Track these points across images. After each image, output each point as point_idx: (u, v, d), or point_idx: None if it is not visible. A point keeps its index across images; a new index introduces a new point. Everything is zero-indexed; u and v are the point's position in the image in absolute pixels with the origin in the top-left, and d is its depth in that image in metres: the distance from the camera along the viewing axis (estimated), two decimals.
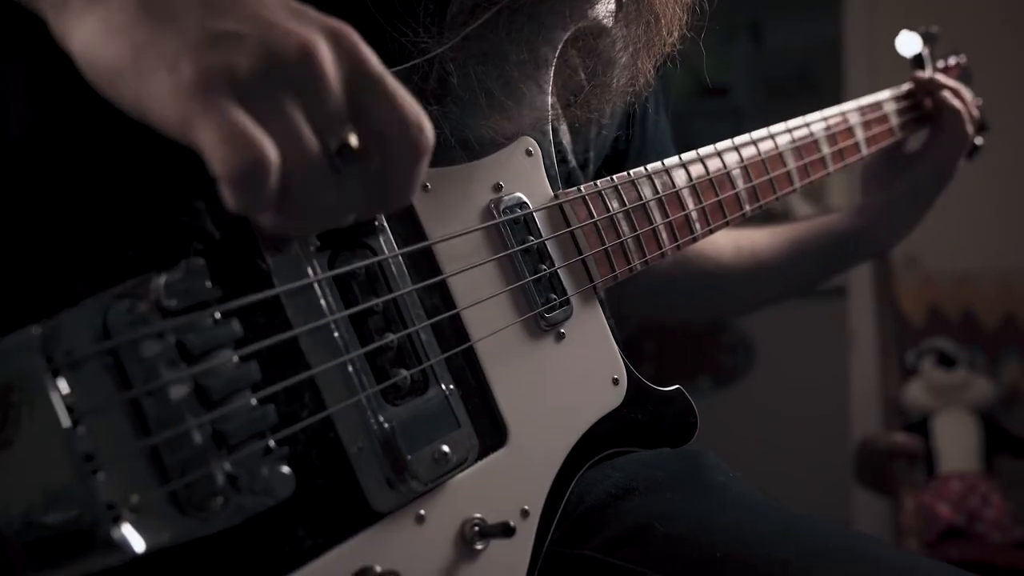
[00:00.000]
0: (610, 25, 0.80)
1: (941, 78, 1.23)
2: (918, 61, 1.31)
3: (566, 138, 0.90)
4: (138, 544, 0.48)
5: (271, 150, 0.46)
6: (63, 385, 0.48)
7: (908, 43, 1.31)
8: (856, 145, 1.11)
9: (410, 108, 0.51)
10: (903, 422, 2.98)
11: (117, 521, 0.48)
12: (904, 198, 1.22)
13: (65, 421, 0.48)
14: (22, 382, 0.48)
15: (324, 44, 0.49)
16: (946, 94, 1.20)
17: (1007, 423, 2.99)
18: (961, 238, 3.19)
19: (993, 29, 3.12)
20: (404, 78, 0.68)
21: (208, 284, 0.53)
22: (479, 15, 0.72)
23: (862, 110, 1.14)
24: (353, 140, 0.50)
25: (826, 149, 1.05)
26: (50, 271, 0.54)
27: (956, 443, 2.93)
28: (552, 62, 0.77)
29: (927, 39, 1.31)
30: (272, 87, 0.47)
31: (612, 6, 0.80)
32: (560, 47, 0.77)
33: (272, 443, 0.55)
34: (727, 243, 1.22)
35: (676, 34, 0.81)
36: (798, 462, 3.76)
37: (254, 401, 0.54)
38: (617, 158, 1.02)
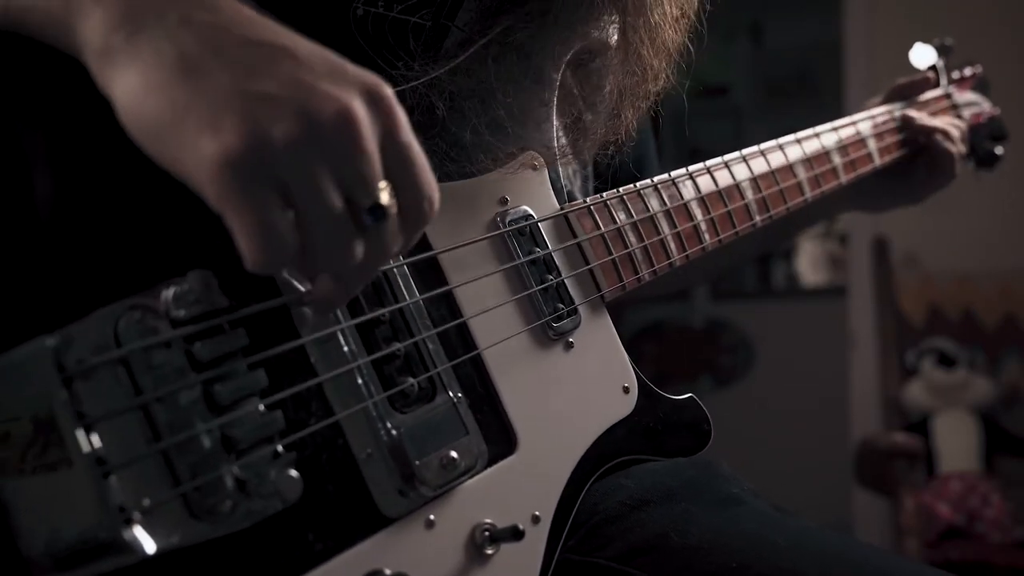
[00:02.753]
0: (601, 65, 0.80)
1: (926, 122, 1.17)
2: (932, 73, 1.29)
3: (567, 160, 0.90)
4: (149, 546, 0.49)
5: (295, 239, 0.48)
6: (75, 392, 0.49)
7: (922, 56, 1.31)
8: (869, 156, 1.10)
9: (428, 179, 0.54)
10: (903, 422, 2.99)
11: (129, 523, 0.49)
12: (868, 195, 1.20)
13: (78, 427, 0.48)
14: (36, 391, 0.49)
15: (362, 107, 0.49)
16: (937, 138, 1.16)
17: (1007, 423, 2.99)
18: (961, 238, 3.20)
19: (993, 30, 3.13)
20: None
21: (217, 295, 0.54)
22: (469, 48, 0.72)
23: (874, 120, 1.13)
24: (385, 198, 0.51)
25: (837, 160, 1.04)
26: (64, 283, 0.54)
27: (956, 443, 2.93)
28: (556, 85, 0.77)
29: (941, 51, 1.29)
30: (308, 154, 0.47)
31: (603, 43, 0.80)
32: (562, 70, 0.77)
33: (280, 448, 0.55)
34: None
35: (660, 85, 0.81)
36: (798, 462, 3.78)
37: (262, 407, 0.55)
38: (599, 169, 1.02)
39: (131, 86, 0.49)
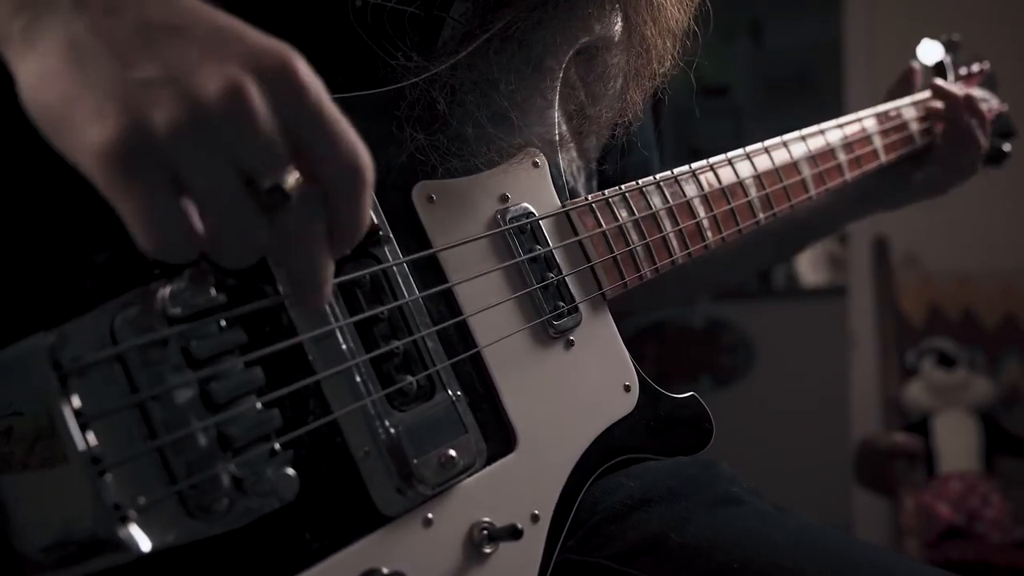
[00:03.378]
0: (604, 51, 0.79)
1: (956, 91, 1.17)
2: (939, 69, 1.28)
3: (570, 156, 0.90)
4: (144, 544, 0.49)
5: (186, 224, 0.46)
6: (71, 390, 0.49)
7: (929, 51, 1.30)
8: (875, 152, 1.09)
9: (349, 148, 0.49)
10: (903, 422, 2.99)
11: (124, 521, 0.49)
12: (881, 194, 1.19)
13: (74, 425, 0.48)
14: (32, 388, 0.49)
15: (251, 82, 0.46)
16: (972, 122, 1.14)
17: (1007, 423, 2.99)
18: (961, 238, 3.19)
19: (993, 29, 3.12)
20: (391, 100, 0.68)
21: (212, 292, 0.53)
22: (470, 43, 0.72)
23: (880, 117, 1.12)
24: (289, 181, 0.47)
25: (842, 156, 1.04)
26: (60, 281, 0.54)
27: (956, 443, 2.93)
28: (558, 76, 0.77)
29: (949, 47, 1.29)
30: (194, 138, 0.45)
31: (606, 31, 0.79)
32: (565, 62, 0.77)
33: (277, 446, 0.55)
34: None
35: (666, 65, 0.81)
36: (798, 462, 3.78)
37: (259, 405, 0.55)
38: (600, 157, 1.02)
39: (29, 74, 0.48)
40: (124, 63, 0.46)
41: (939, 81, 1.19)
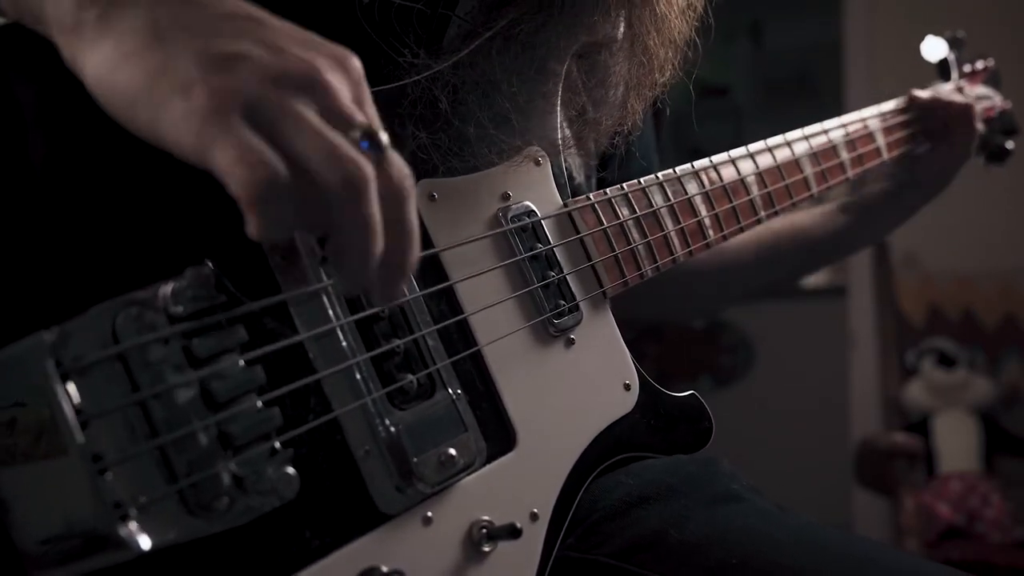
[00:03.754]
0: (607, 57, 0.80)
1: (946, 97, 1.18)
2: (943, 66, 1.28)
3: (572, 154, 0.90)
4: (144, 542, 0.49)
5: (283, 168, 0.46)
6: (72, 389, 0.49)
7: (933, 48, 1.30)
8: (877, 150, 1.09)
9: (396, 155, 0.51)
10: (903, 422, 2.99)
11: (124, 519, 0.49)
12: (891, 202, 1.19)
13: (74, 423, 0.48)
14: (33, 386, 0.49)
15: (331, 70, 0.50)
16: (956, 112, 1.16)
17: (1007, 423, 2.99)
18: (961, 238, 3.19)
19: (993, 29, 3.12)
20: (394, 98, 0.68)
21: (214, 291, 0.54)
22: (472, 41, 0.72)
23: (883, 115, 1.12)
24: (381, 134, 0.49)
25: (845, 155, 1.04)
26: (62, 279, 0.54)
27: (956, 443, 2.93)
28: (560, 79, 0.77)
29: (953, 44, 1.28)
30: (282, 98, 0.47)
31: (610, 35, 0.80)
32: (567, 65, 0.77)
33: (278, 445, 0.55)
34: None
35: (667, 76, 0.81)
36: (798, 462, 3.77)
37: (260, 404, 0.55)
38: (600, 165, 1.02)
39: (103, 58, 0.49)
40: (212, 39, 0.48)
41: (916, 92, 1.19)
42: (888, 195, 1.18)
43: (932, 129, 1.16)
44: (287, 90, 0.48)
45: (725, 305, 1.35)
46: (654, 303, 1.22)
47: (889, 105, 1.15)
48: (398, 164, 0.51)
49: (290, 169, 0.46)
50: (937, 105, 1.16)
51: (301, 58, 0.49)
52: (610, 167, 0.97)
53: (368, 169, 0.48)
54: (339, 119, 0.49)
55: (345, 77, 0.50)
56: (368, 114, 0.51)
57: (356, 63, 0.52)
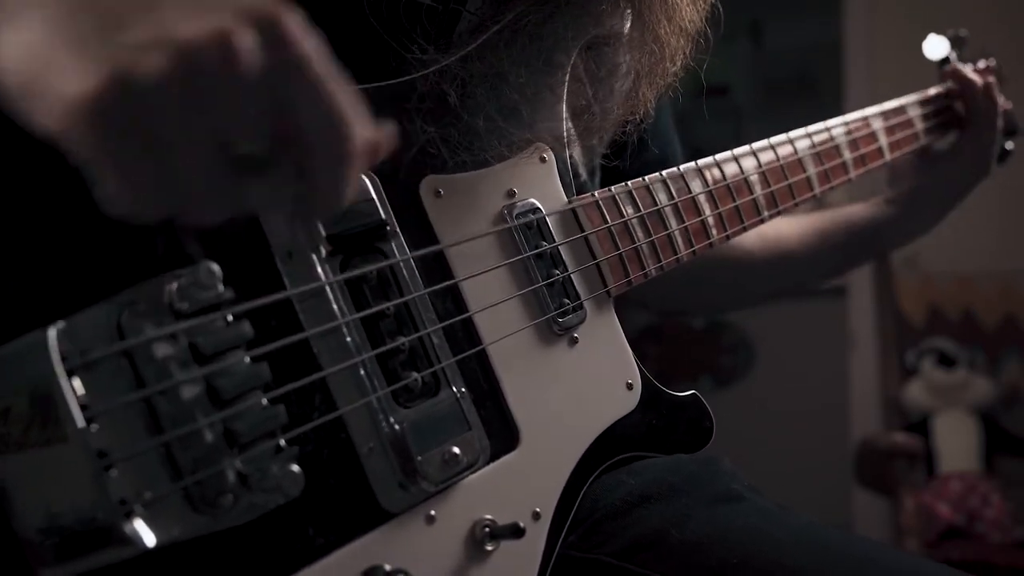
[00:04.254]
0: (615, 48, 0.80)
1: (975, 77, 1.21)
2: (945, 65, 1.28)
3: (577, 150, 0.90)
4: (149, 539, 0.49)
5: (162, 182, 0.44)
6: (78, 385, 0.49)
7: (935, 47, 1.30)
8: (879, 151, 1.10)
9: (334, 104, 0.46)
10: (903, 422, 2.99)
11: (129, 516, 0.49)
12: (931, 195, 1.22)
13: (79, 420, 0.48)
14: (38, 382, 0.49)
15: (246, 34, 0.43)
16: (980, 96, 1.18)
17: (1007, 423, 2.99)
18: (961, 238, 3.18)
19: (993, 30, 3.12)
20: (403, 93, 0.68)
21: (220, 287, 0.54)
22: (480, 35, 0.72)
23: (885, 115, 1.13)
24: (261, 146, 0.45)
25: (847, 155, 1.04)
26: (67, 275, 0.54)
27: (956, 443, 2.93)
28: (567, 71, 0.77)
29: (955, 43, 1.29)
30: (178, 90, 0.43)
31: (618, 26, 0.80)
32: (574, 57, 0.77)
33: (283, 442, 0.55)
34: (751, 232, 1.22)
35: (679, 64, 0.81)
36: (798, 462, 3.77)
37: (265, 401, 0.55)
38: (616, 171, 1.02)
39: (3, 46, 0.47)
40: (108, 27, 0.45)
41: (959, 66, 1.20)
42: (931, 185, 1.20)
43: (958, 117, 1.19)
44: (183, 81, 0.43)
45: (769, 298, 1.37)
46: (704, 294, 1.23)
47: (892, 104, 1.16)
48: (278, 181, 0.47)
49: (165, 180, 0.44)
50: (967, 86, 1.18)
51: (204, 30, 0.43)
52: (623, 156, 0.98)
53: (230, 197, 0.45)
54: (235, 119, 0.44)
55: (266, 39, 0.44)
56: (299, 69, 0.45)
57: (283, 14, 0.45)
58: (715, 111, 4.72)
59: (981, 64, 1.31)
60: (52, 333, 0.49)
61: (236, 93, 0.44)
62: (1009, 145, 1.29)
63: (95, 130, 0.43)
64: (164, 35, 0.43)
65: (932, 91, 1.23)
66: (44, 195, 0.56)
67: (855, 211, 1.24)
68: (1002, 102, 1.27)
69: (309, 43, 0.45)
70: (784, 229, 1.21)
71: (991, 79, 1.20)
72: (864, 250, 1.26)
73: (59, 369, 0.48)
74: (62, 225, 0.55)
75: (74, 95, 0.43)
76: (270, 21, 0.44)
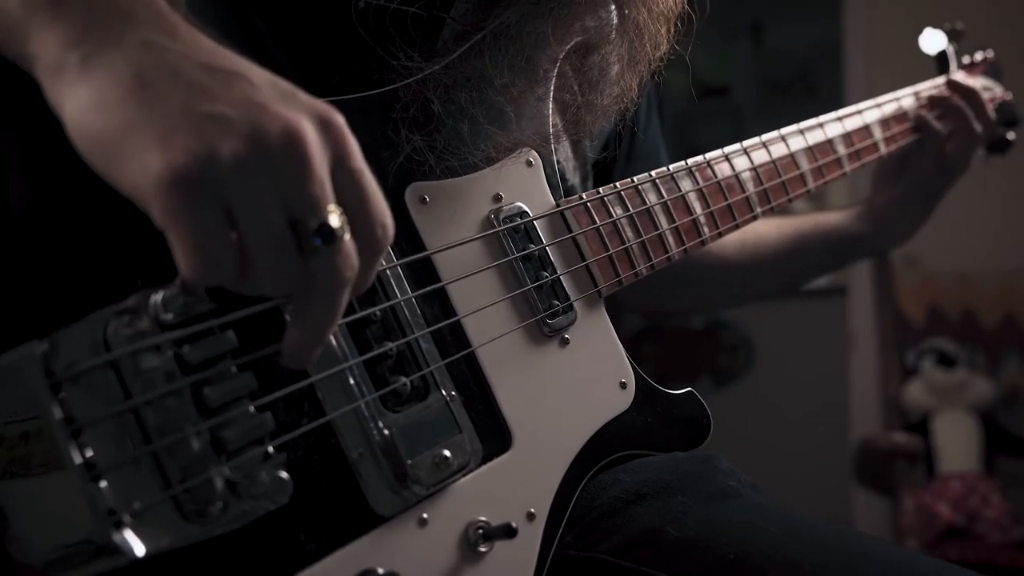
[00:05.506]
0: (598, 43, 0.80)
1: (959, 78, 1.20)
2: (942, 59, 1.28)
3: (566, 154, 0.90)
4: (139, 548, 0.49)
5: (234, 256, 0.48)
6: (64, 397, 0.49)
7: (932, 40, 1.30)
8: (874, 145, 1.09)
9: (380, 206, 0.53)
10: (903, 422, 2.99)
11: (119, 526, 0.49)
12: (909, 197, 1.21)
13: (67, 432, 0.48)
14: (25, 396, 0.49)
15: (312, 129, 0.49)
16: (955, 99, 1.18)
17: (1007, 423, 2.99)
18: (961, 238, 3.19)
19: (993, 30, 3.12)
20: (386, 102, 0.69)
21: (205, 298, 0.54)
22: (464, 42, 0.72)
23: (879, 108, 1.12)
24: (335, 220, 0.50)
25: (842, 150, 1.04)
26: (52, 290, 0.54)
27: (956, 443, 2.93)
28: (552, 74, 0.77)
29: (952, 36, 1.28)
30: (254, 173, 0.47)
31: (600, 23, 0.80)
32: (559, 60, 0.77)
33: (271, 449, 0.55)
34: (731, 236, 1.22)
35: (661, 50, 0.81)
36: (798, 462, 3.77)
37: (252, 409, 0.55)
38: (605, 166, 1.02)
39: (82, 102, 0.49)
40: (195, 96, 0.48)
41: (957, 76, 1.20)
42: (911, 187, 1.20)
43: (948, 114, 1.18)
44: (260, 162, 0.47)
45: (745, 301, 1.38)
46: (683, 295, 1.24)
47: (887, 98, 1.15)
48: (346, 253, 0.51)
49: (238, 257, 0.48)
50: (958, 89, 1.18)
51: (282, 118, 0.48)
52: (612, 147, 0.98)
53: (294, 273, 0.50)
54: (304, 201, 0.49)
55: (325, 136, 0.50)
56: (350, 167, 0.51)
57: (339, 119, 0.51)
58: (715, 111, 4.73)
59: (978, 56, 1.30)
60: (38, 348, 0.49)
61: (305, 179, 0.48)
62: (1011, 135, 1.28)
63: (180, 201, 0.46)
64: (245, 114, 0.47)
65: (927, 84, 1.23)
66: (29, 210, 0.56)
67: (832, 219, 1.24)
68: (1001, 93, 1.26)
69: (357, 147, 0.52)
70: (763, 234, 1.22)
71: (971, 83, 1.20)
72: (839, 258, 1.26)
73: (43, 385, 0.48)
74: (48, 239, 0.55)
75: (160, 167, 0.46)
76: (332, 123, 0.51)
